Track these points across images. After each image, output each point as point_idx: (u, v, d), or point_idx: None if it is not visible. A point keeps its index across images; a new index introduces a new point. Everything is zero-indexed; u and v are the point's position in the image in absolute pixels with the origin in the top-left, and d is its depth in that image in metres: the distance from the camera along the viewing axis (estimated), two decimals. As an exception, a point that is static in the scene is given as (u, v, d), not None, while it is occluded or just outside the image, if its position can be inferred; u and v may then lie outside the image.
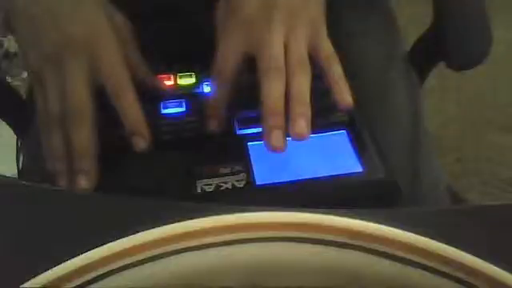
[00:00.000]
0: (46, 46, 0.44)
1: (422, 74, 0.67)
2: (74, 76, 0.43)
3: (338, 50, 0.45)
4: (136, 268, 0.24)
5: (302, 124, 0.40)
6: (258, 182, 0.42)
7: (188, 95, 0.50)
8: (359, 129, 0.46)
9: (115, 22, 0.46)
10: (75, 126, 0.42)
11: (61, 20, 0.44)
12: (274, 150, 0.40)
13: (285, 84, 0.42)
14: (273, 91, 0.41)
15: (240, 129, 0.47)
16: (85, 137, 0.42)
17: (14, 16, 0.46)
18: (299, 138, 0.40)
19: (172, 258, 0.24)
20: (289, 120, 0.41)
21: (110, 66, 0.44)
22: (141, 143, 0.44)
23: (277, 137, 0.40)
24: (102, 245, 0.24)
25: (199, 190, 0.42)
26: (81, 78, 0.43)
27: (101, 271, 0.24)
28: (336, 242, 0.25)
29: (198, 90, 0.51)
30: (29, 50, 0.45)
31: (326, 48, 0.45)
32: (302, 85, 0.42)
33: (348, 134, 0.46)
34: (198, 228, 0.24)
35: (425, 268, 0.24)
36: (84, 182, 0.42)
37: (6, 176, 0.41)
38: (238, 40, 0.44)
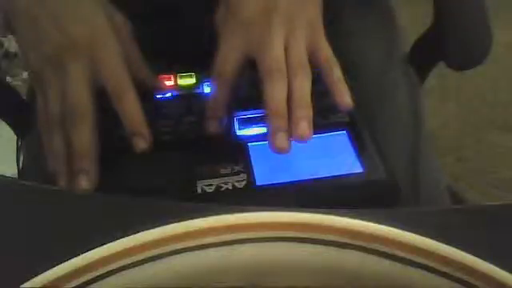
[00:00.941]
0: (47, 47, 0.44)
1: (422, 74, 0.67)
2: (74, 77, 0.43)
3: (337, 50, 0.45)
4: (136, 268, 0.24)
5: (304, 126, 0.41)
6: (258, 183, 0.42)
7: (188, 95, 0.50)
8: (359, 129, 0.46)
9: (115, 22, 0.46)
10: (76, 126, 0.42)
11: (61, 21, 0.44)
12: (279, 151, 0.41)
13: (287, 86, 0.42)
14: (276, 93, 0.41)
15: (240, 129, 0.47)
16: (85, 137, 0.42)
17: (14, 16, 0.46)
18: (302, 139, 0.41)
19: (172, 258, 0.24)
20: (291, 122, 0.41)
21: (110, 67, 0.44)
22: (141, 144, 0.44)
23: (281, 138, 0.41)
24: (101, 245, 0.24)
25: (199, 191, 0.42)
26: (81, 79, 0.43)
27: (101, 271, 0.24)
28: (336, 242, 0.25)
29: (198, 90, 0.51)
30: (29, 51, 0.45)
31: (325, 50, 0.45)
32: (304, 87, 0.42)
33: (348, 134, 0.46)
34: (197, 228, 0.24)
35: (425, 268, 0.24)
36: (84, 183, 0.42)
37: (5, 176, 0.41)
38: (238, 42, 0.44)
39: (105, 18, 0.45)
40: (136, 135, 0.44)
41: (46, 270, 0.23)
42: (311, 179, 0.42)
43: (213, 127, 0.46)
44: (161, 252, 0.24)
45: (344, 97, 0.44)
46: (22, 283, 0.23)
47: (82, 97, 0.42)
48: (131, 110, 0.44)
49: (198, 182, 0.42)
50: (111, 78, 0.44)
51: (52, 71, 0.43)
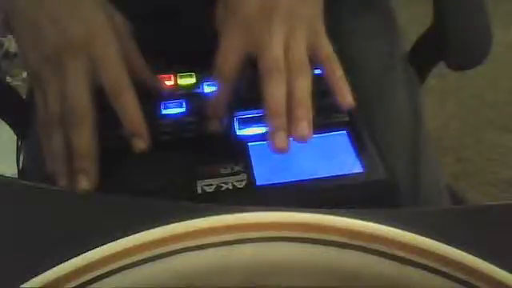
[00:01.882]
0: (46, 47, 0.43)
1: (422, 73, 0.67)
2: (74, 77, 0.43)
3: (338, 50, 0.45)
4: (136, 268, 0.24)
5: (303, 126, 0.41)
6: (258, 183, 0.42)
7: (188, 95, 0.50)
8: (359, 129, 0.46)
9: (115, 22, 0.46)
10: (75, 126, 0.42)
11: (60, 21, 0.44)
12: (278, 151, 0.41)
13: (286, 85, 0.42)
14: (275, 93, 0.41)
15: (240, 129, 0.47)
16: (85, 137, 0.42)
17: (13, 16, 0.46)
18: (301, 139, 0.41)
19: (172, 257, 0.24)
20: (291, 122, 0.41)
21: (109, 67, 0.44)
22: (140, 144, 0.43)
23: (280, 138, 0.41)
24: (101, 245, 0.24)
25: (200, 191, 0.42)
26: (81, 78, 0.43)
27: (101, 271, 0.24)
28: (336, 242, 0.25)
29: (198, 90, 0.51)
30: (28, 51, 0.45)
31: (326, 48, 0.45)
32: (304, 87, 0.42)
33: (348, 134, 0.46)
34: (197, 228, 0.24)
35: (425, 268, 0.24)
36: (84, 183, 0.42)
37: (5, 176, 0.41)
38: (239, 40, 0.44)
39: (104, 18, 0.45)
40: (135, 136, 0.43)
41: (46, 270, 0.23)
42: (311, 179, 0.42)
43: (214, 126, 0.46)
44: (161, 252, 0.24)
45: (345, 96, 0.44)
46: (22, 283, 0.23)
47: (81, 97, 0.42)
48: (130, 109, 0.43)
49: (198, 181, 0.42)
50: (110, 77, 0.44)
51: (51, 71, 0.43)
